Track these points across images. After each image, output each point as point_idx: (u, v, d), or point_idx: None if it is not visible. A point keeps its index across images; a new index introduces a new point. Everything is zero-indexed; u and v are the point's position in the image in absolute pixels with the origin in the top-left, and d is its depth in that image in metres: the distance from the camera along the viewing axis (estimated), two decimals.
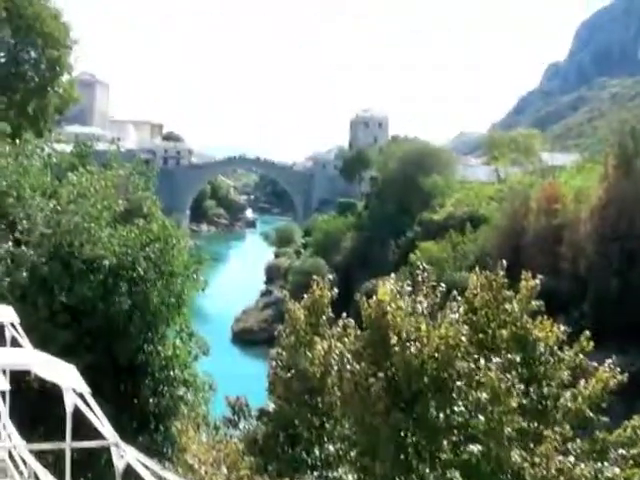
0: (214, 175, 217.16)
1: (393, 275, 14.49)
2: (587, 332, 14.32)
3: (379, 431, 12.87)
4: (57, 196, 22.70)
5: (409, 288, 13.94)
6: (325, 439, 14.91)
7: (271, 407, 16.05)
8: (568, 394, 13.57)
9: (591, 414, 13.65)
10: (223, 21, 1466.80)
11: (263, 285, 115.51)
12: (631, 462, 13.36)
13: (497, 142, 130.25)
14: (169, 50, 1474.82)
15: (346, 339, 14.00)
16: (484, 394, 12.28)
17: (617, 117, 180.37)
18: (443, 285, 14.33)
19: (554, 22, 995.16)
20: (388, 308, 12.83)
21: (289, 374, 15.31)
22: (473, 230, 67.35)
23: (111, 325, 20.37)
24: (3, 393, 12.37)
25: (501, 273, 14.38)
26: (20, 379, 14.79)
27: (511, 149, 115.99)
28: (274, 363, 15.94)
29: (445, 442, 12.77)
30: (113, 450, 9.20)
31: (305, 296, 16.25)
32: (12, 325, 14.20)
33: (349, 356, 13.13)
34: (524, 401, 12.79)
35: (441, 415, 12.71)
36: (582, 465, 12.61)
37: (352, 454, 13.91)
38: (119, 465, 8.98)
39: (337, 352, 13.54)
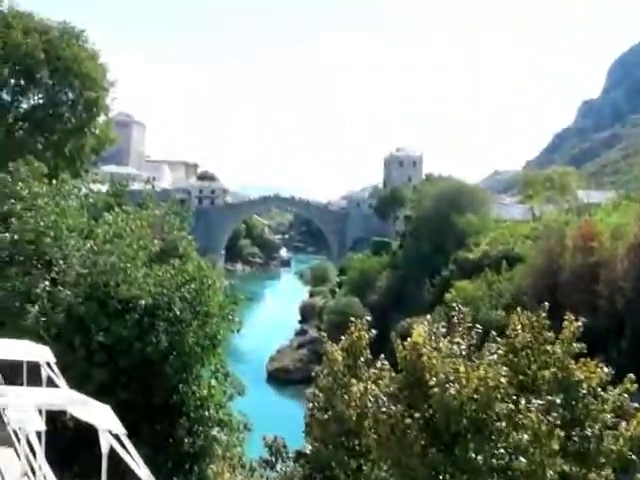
0: (249, 214, 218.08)
1: (429, 316, 14.36)
2: (631, 375, 14.02)
3: (417, 473, 12.64)
4: (93, 236, 22.87)
5: (444, 329, 13.77)
6: None
7: (308, 449, 15.87)
8: (610, 436, 13.25)
9: (633, 456, 13.31)
10: (257, 59, 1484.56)
11: (298, 324, 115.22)
12: None
13: (532, 180, 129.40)
14: (205, 91, 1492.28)
15: (381, 381, 13.84)
16: (525, 436, 12.02)
17: None
18: (479, 326, 14.13)
19: (587, 59, 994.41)
20: (423, 350, 12.67)
21: (326, 416, 15.14)
22: (509, 269, 66.68)
23: (147, 365, 20.35)
24: (39, 433, 12.33)
25: (543, 314, 14.15)
26: (56, 419, 14.77)
27: (546, 187, 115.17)
28: (311, 404, 15.78)
29: None
30: None
31: (342, 337, 16.12)
32: (48, 364, 14.20)
33: (385, 398, 12.95)
34: (566, 443, 12.51)
35: (480, 457, 12.46)
36: None
37: None
38: None
39: (373, 394, 13.37)
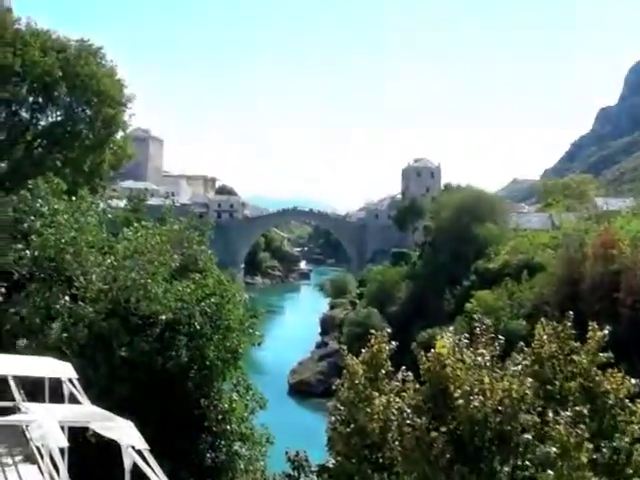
0: (268, 228, 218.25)
1: (452, 328, 14.19)
2: None
3: None
4: (113, 252, 22.92)
5: (466, 340, 13.65)
6: None
7: (331, 463, 15.75)
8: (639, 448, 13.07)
9: None
10: (276, 73, 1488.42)
11: (318, 336, 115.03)
12: None
13: (550, 188, 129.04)
14: (221, 103, 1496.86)
15: (405, 393, 13.73)
16: (553, 448, 11.86)
17: None
18: (501, 337, 13.99)
19: (604, 66, 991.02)
20: (447, 361, 12.56)
21: (348, 429, 15.01)
22: (529, 278, 66.30)
23: (168, 379, 20.33)
24: (62, 449, 12.32)
25: (568, 324, 14.00)
26: (78, 435, 14.75)
27: (565, 195, 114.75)
28: (333, 418, 15.66)
29: None
30: None
31: (362, 350, 16.01)
32: (70, 381, 14.20)
33: (409, 410, 12.86)
34: (595, 456, 12.33)
35: (506, 469, 12.33)
36: None
37: None
38: None
39: (396, 407, 13.26)
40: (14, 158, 50.70)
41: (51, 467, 12.80)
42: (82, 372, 15.24)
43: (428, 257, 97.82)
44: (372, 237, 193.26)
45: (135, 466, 9.68)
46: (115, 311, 20.72)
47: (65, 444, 11.81)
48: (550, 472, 11.94)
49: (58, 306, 20.55)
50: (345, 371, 15.82)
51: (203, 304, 21.46)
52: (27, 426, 12.29)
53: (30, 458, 13.61)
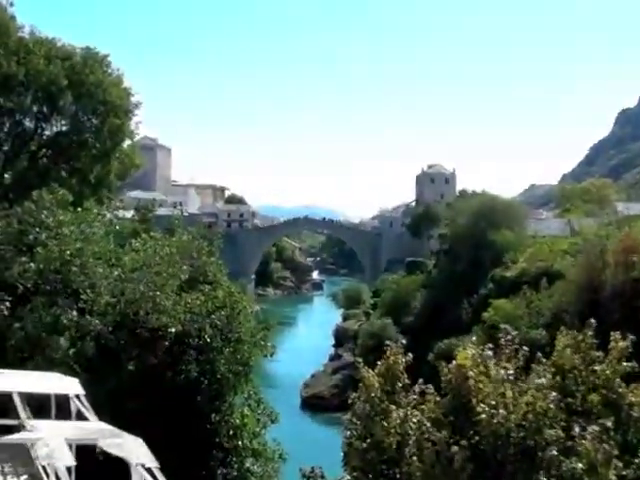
0: (279, 237, 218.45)
1: (474, 338, 14.04)
2: None
3: None
4: (121, 264, 22.89)
5: (490, 352, 13.49)
6: None
7: (347, 479, 15.61)
8: None
9: None
10: (284, 79, 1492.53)
11: (332, 348, 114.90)
12: None
13: (569, 193, 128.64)
14: (228, 110, 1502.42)
15: (424, 406, 13.59)
16: (579, 464, 11.69)
17: None
18: (526, 348, 13.82)
19: (623, 67, 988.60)
20: (470, 373, 12.42)
21: (364, 444, 14.87)
22: (548, 286, 65.97)
23: (178, 394, 20.26)
24: (69, 468, 12.23)
25: (589, 333, 13.83)
26: (86, 453, 14.67)
27: (584, 200, 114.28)
28: (348, 433, 15.52)
29: None
30: None
31: (378, 362, 15.88)
32: (77, 397, 14.13)
33: (428, 424, 12.72)
34: (624, 472, 12.15)
35: None
36: None
37: None
38: None
39: (415, 420, 13.12)
40: (18, 169, 50.84)
41: None
42: (89, 387, 15.15)
43: (444, 265, 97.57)
44: (386, 246, 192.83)
45: None
46: (123, 324, 20.68)
47: (72, 463, 11.72)
48: None
49: (64, 320, 20.50)
50: (360, 384, 15.69)
51: (213, 316, 21.39)
52: (33, 444, 12.20)
53: (35, 477, 13.53)
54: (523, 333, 52.27)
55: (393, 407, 14.60)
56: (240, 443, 21.43)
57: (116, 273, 22.06)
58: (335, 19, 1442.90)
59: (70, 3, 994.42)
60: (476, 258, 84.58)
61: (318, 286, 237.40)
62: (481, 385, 12.42)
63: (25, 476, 12.43)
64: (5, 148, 51.54)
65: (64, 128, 52.93)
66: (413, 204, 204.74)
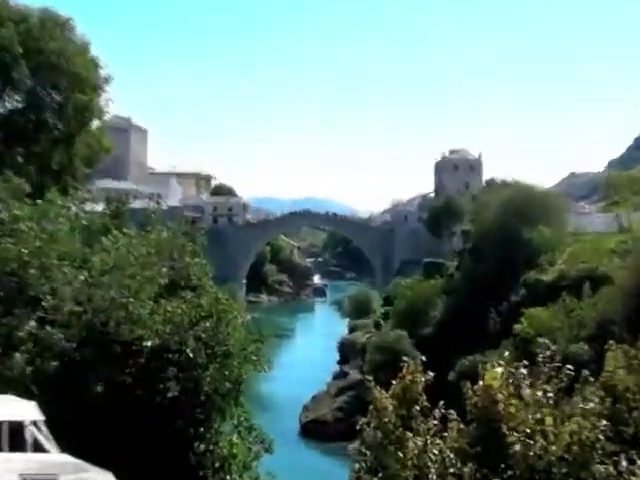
0: (274, 234, 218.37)
1: (506, 354, 13.90)
2: None
3: None
4: (88, 266, 22.82)
5: (524, 370, 13.37)
6: None
7: None
8: None
9: None
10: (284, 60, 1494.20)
11: (336, 365, 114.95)
12: None
13: (616, 183, 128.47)
14: (215, 87, 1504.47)
15: (446, 434, 13.50)
16: None
17: None
18: (570, 366, 13.69)
19: None
20: (499, 396, 12.31)
21: (376, 478, 14.80)
22: (591, 292, 65.89)
23: (155, 419, 20.20)
24: None
25: None
26: None
27: (634, 191, 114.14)
28: (357, 465, 15.44)
29: None
30: None
31: (391, 381, 15.79)
32: (35, 424, 14.03)
33: (451, 455, 12.63)
34: None
35: None
36: None
37: None
38: None
39: (436, 451, 13.02)
40: None
41: None
42: (50, 412, 15.06)
43: (468, 268, 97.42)
44: (400, 244, 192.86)
45: None
46: (90, 337, 20.60)
47: None
48: None
49: (21, 332, 20.44)
50: (371, 407, 15.60)
51: (197, 327, 21.34)
52: None
53: None
54: (562, 347, 52.28)
55: (409, 435, 14.51)
56: (228, 478, 21.37)
57: (82, 277, 21.99)
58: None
59: None
60: (506, 259, 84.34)
61: (320, 292, 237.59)
62: (513, 410, 12.30)
63: None
64: None
65: (20, 105, 52.48)
66: (431, 195, 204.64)
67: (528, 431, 12.13)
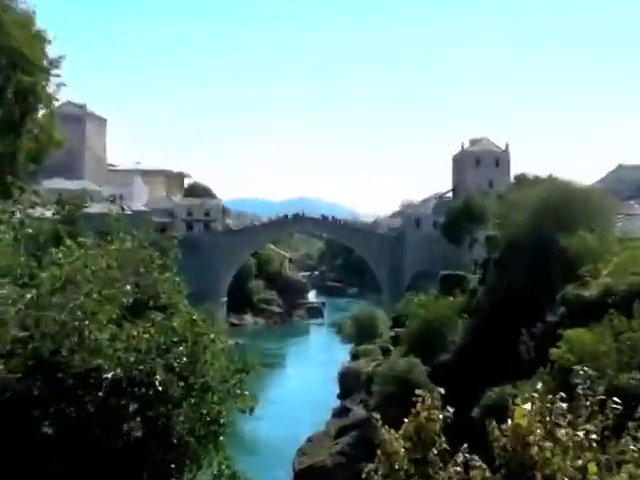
0: (261, 244, 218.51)
1: (539, 385, 13.82)
2: None
3: None
4: (35, 283, 22.74)
5: (562, 404, 13.32)
6: None
7: None
8: None
9: None
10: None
11: (336, 400, 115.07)
12: None
13: None
14: (195, 76, 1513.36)
15: None
16: None
17: None
18: (617, 400, 13.63)
19: None
20: (531, 437, 12.26)
21: None
22: None
23: (116, 466, 20.14)
24: None
25: None
26: None
27: None
28: None
29: None
30: None
31: (403, 419, 15.76)
32: None
33: None
34: None
35: None
36: None
37: None
38: None
39: None
40: None
41: None
42: None
43: (494, 281, 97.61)
44: (411, 254, 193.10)
45: None
46: (38, 368, 20.54)
47: None
48: None
49: None
50: (379, 451, 15.56)
51: (168, 355, 21.25)
52: None
53: None
54: (609, 377, 52.25)
55: None
56: None
57: (29, 296, 21.92)
58: None
59: None
60: (540, 271, 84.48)
61: (316, 312, 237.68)
62: (549, 454, 12.25)
63: None
64: None
65: None
66: (449, 195, 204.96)
67: None
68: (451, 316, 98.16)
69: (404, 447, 15.19)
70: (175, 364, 21.12)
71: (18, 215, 27.98)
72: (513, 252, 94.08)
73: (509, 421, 12.77)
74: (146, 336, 21.30)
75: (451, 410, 15.58)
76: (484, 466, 13.68)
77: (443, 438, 15.29)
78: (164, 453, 20.80)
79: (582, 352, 59.20)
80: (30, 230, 27.24)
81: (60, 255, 23.53)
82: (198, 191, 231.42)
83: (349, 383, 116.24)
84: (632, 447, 12.61)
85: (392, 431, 15.48)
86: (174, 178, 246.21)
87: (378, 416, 16.80)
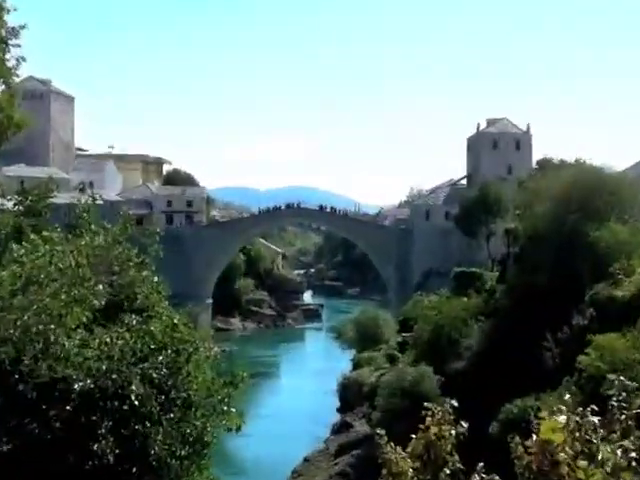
0: (250, 238, 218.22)
1: (567, 397, 13.75)
2: None
3: None
4: None
5: (594, 418, 13.25)
6: None
7: None
8: None
9: None
10: None
11: (336, 414, 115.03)
12: None
13: None
14: (177, 54, 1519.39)
15: None
16: None
17: None
18: None
19: None
20: (561, 454, 12.21)
21: None
22: None
23: None
24: None
25: None
26: None
27: None
28: None
29: None
30: None
31: (411, 435, 15.70)
32: None
33: None
34: None
35: None
36: None
37: None
38: None
39: None
40: None
41: None
42: None
43: (514, 280, 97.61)
44: (421, 249, 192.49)
45: None
46: None
47: None
48: None
49: None
50: (384, 471, 15.53)
51: (145, 364, 21.18)
52: None
53: None
54: None
55: None
56: None
57: None
58: None
59: None
60: (567, 268, 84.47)
61: (312, 315, 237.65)
62: (582, 475, 12.20)
63: None
64: None
65: None
66: (463, 183, 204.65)
67: None
68: (466, 319, 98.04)
69: (412, 467, 15.14)
70: (154, 375, 21.04)
71: None
72: (536, 246, 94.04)
73: (534, 436, 12.70)
74: (120, 342, 21.24)
75: (465, 425, 15.52)
76: None
77: (456, 457, 15.22)
78: (141, 477, 20.74)
79: (614, 360, 59.18)
80: None
81: (22, 251, 23.45)
82: (179, 178, 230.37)
83: (350, 395, 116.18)
84: None
85: (399, 449, 15.44)
86: (152, 164, 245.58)
87: (383, 432, 16.76)
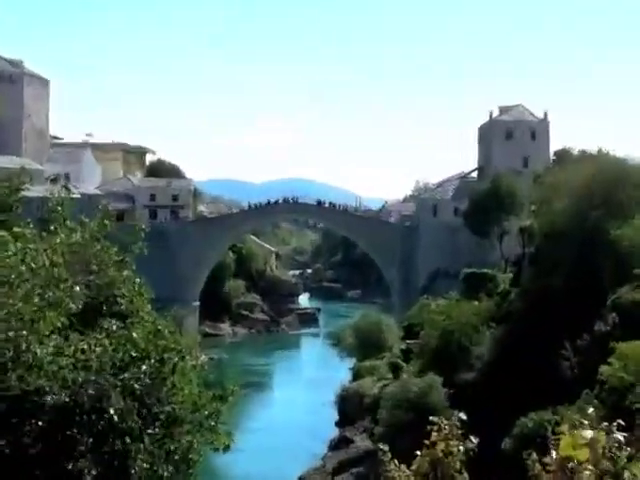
0: (241, 235, 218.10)
1: (591, 410, 13.71)
2: None
3: None
4: None
5: (619, 434, 13.21)
6: None
7: None
8: None
9: None
10: None
11: (335, 428, 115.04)
12: None
13: None
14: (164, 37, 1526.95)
15: None
16: None
17: None
18: None
19: None
20: (585, 473, 12.17)
21: None
22: None
23: None
24: None
25: None
26: None
27: None
28: None
29: None
30: None
31: (417, 452, 15.67)
32: None
33: None
34: None
35: None
36: None
37: None
38: None
39: None
40: None
41: None
42: None
43: (529, 282, 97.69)
44: (427, 248, 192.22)
45: None
46: None
47: None
48: None
49: None
50: None
51: (126, 375, 21.10)
52: None
53: None
54: None
55: None
56: None
57: None
58: None
59: None
60: (587, 268, 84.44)
61: (309, 319, 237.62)
62: None
63: None
64: None
65: None
66: (473, 176, 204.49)
67: None
68: (476, 325, 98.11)
69: None
70: (135, 386, 20.93)
71: None
72: (553, 246, 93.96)
73: (553, 453, 12.65)
74: (99, 350, 21.14)
75: (475, 440, 15.47)
76: None
77: (465, 475, 15.18)
78: None
79: (638, 369, 59.11)
80: None
81: None
82: (163, 170, 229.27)
83: (350, 408, 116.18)
84: None
85: (403, 467, 15.41)
86: (133, 154, 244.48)
87: (386, 448, 16.72)
